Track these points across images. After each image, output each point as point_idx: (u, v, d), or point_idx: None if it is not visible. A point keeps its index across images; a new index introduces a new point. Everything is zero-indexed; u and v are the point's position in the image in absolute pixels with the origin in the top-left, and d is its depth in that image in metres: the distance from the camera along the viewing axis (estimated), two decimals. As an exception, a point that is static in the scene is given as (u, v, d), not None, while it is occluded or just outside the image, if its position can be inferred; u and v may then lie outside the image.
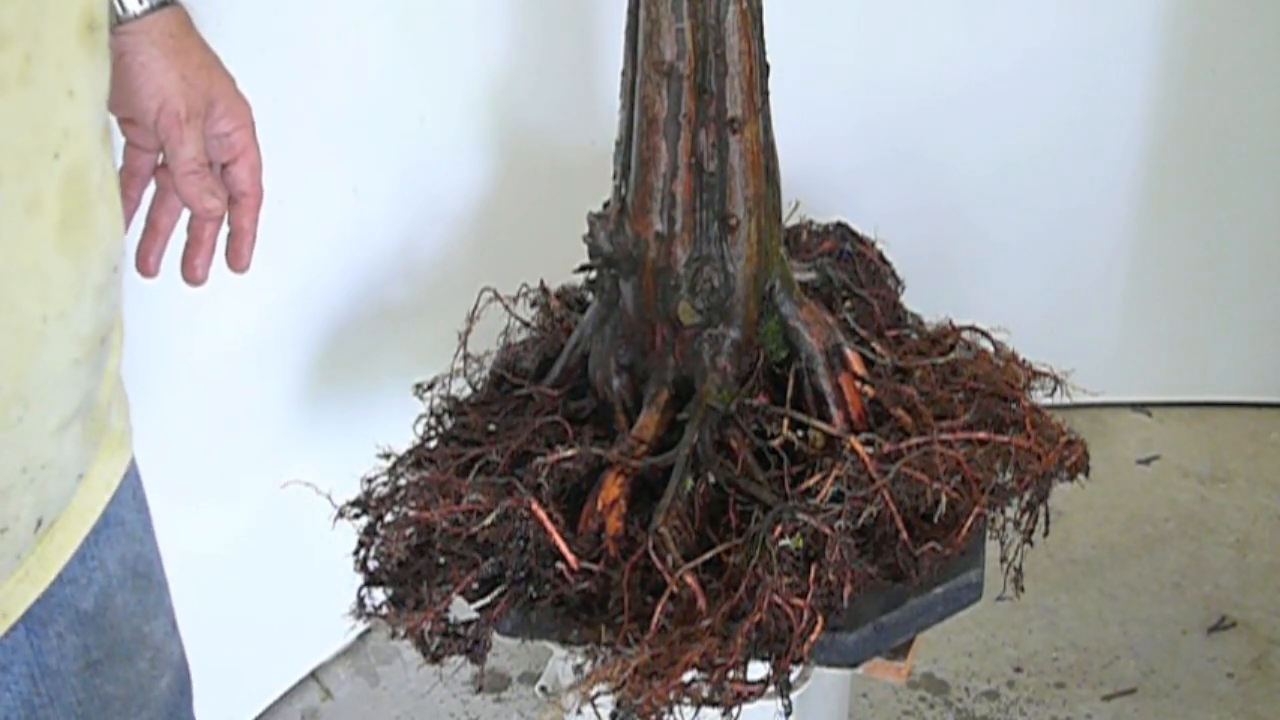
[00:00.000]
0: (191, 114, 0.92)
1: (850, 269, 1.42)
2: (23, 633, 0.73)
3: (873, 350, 1.27)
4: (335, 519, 1.14)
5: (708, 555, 1.06)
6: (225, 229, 1.03)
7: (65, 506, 0.73)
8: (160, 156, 0.97)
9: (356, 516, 1.15)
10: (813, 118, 1.67)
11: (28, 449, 0.65)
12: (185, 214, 1.01)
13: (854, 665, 1.10)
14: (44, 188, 0.60)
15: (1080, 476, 1.23)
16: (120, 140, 0.97)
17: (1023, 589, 1.21)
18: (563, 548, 1.07)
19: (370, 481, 1.18)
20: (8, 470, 0.64)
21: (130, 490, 0.82)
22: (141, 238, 0.99)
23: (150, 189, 1.00)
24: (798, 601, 1.00)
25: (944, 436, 1.13)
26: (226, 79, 0.97)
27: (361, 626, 1.13)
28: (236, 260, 1.03)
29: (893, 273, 1.46)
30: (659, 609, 1.01)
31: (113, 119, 0.91)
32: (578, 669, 1.02)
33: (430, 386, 1.33)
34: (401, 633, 1.06)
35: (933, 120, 2.05)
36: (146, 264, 1.00)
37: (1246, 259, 2.22)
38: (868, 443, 1.13)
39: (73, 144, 0.61)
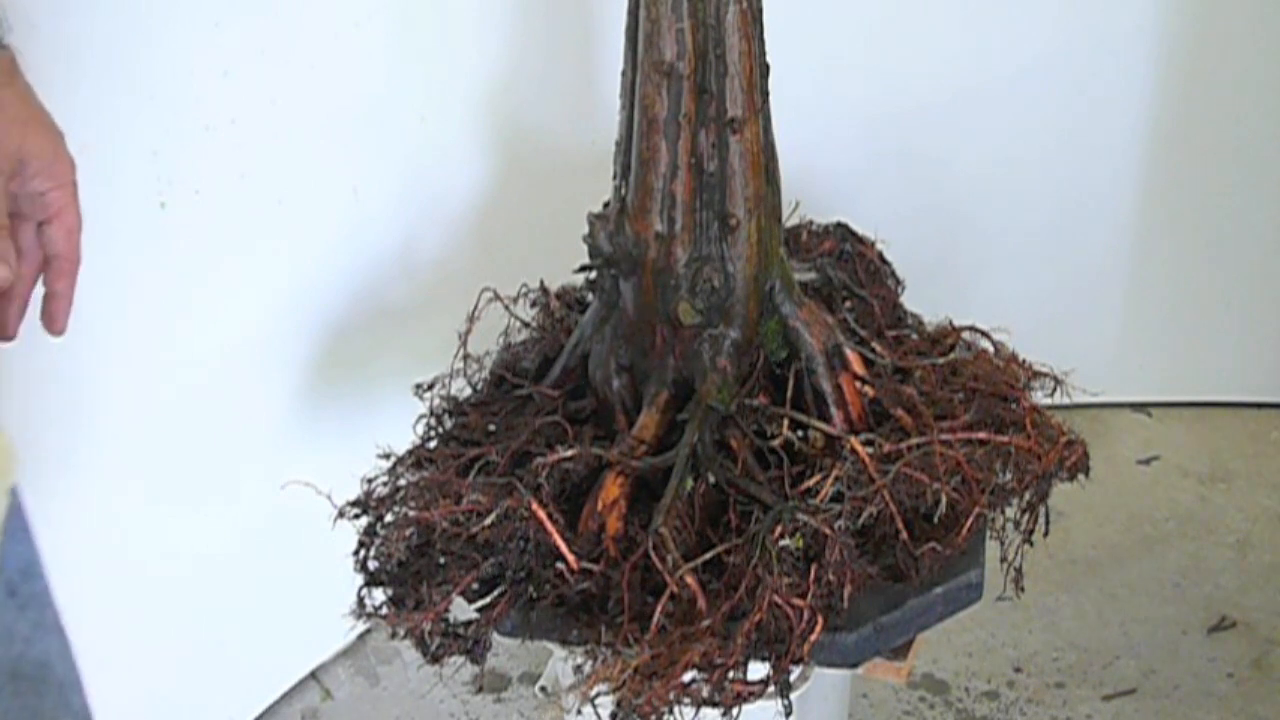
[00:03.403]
0: None
1: (850, 269, 1.42)
2: None
3: (873, 350, 1.27)
4: (335, 519, 1.14)
5: (708, 555, 1.06)
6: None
7: None
8: None
9: (356, 516, 1.15)
10: (814, 119, 1.67)
11: None
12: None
13: (854, 665, 1.10)
14: None
15: (1080, 476, 1.23)
16: None
17: (1023, 589, 1.21)
18: (563, 548, 1.07)
19: (370, 481, 1.18)
20: None
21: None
22: None
23: None
24: (798, 601, 1.00)
25: (944, 436, 1.13)
26: (46, 135, 0.90)
27: (361, 626, 1.13)
28: (50, 323, 0.94)
29: (893, 273, 1.46)
30: (659, 609, 1.01)
31: None
32: (578, 669, 1.02)
33: (430, 386, 1.33)
34: (401, 633, 1.06)
35: (934, 121, 2.05)
36: None
37: (1246, 259, 2.22)
38: (868, 443, 1.13)
39: None
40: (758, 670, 1.01)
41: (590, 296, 1.35)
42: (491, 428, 1.26)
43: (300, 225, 1.58)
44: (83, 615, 1.45)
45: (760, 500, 1.10)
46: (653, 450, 1.17)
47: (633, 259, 1.20)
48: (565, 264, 1.36)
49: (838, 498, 1.08)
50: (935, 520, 1.11)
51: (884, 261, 1.46)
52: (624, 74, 1.18)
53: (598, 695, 0.98)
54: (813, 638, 1.01)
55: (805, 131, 1.41)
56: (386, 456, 1.22)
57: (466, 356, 1.35)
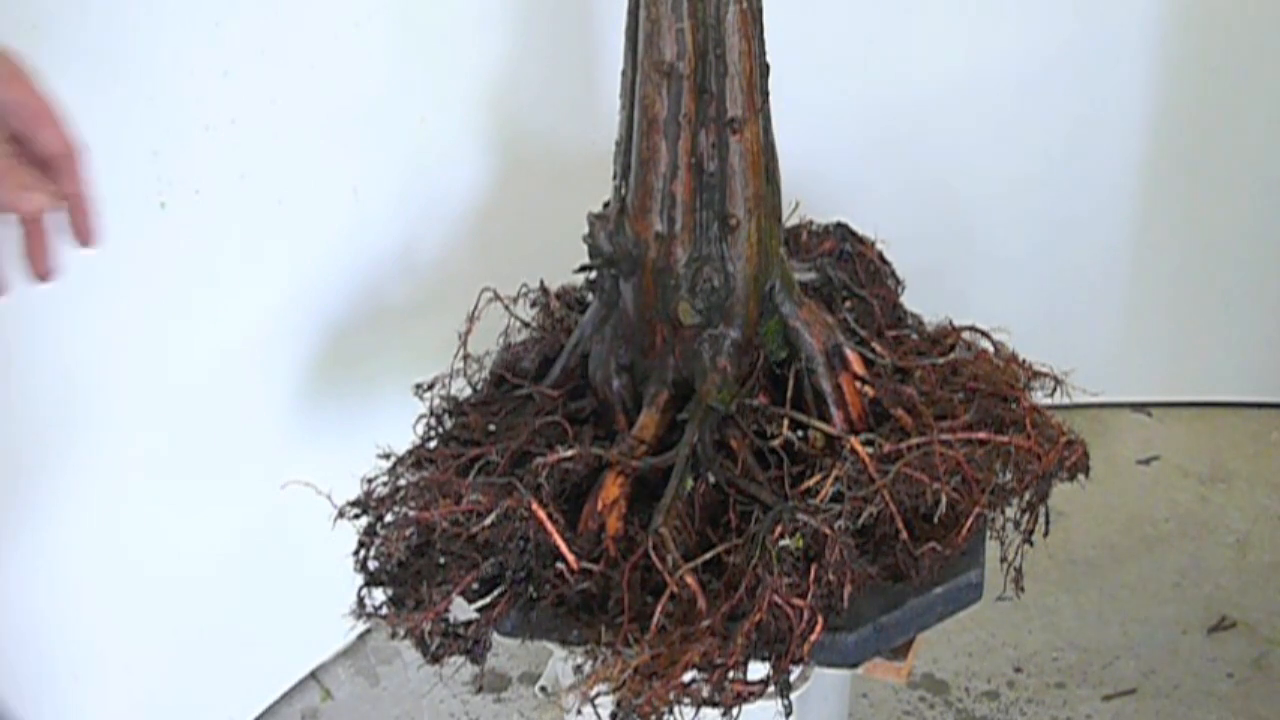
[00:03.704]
0: None
1: (850, 269, 1.41)
2: None
3: (873, 350, 1.27)
4: (335, 519, 1.14)
5: (708, 555, 1.06)
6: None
7: None
8: None
9: (356, 516, 1.15)
10: (814, 119, 1.67)
11: None
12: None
13: (854, 665, 1.10)
14: None
15: (1080, 476, 1.23)
16: None
17: (1023, 589, 1.21)
18: (563, 548, 1.07)
19: (370, 481, 1.17)
20: None
21: None
22: None
23: None
24: (798, 601, 1.00)
25: (944, 436, 1.13)
26: None
27: (361, 626, 1.13)
28: (82, 235, 0.85)
29: (893, 273, 1.46)
30: (659, 609, 1.01)
31: None
32: (578, 669, 1.02)
33: (430, 386, 1.33)
34: (401, 633, 1.06)
35: (934, 121, 2.05)
36: None
37: (1246, 260, 2.22)
38: (868, 443, 1.13)
39: None
40: (758, 670, 1.01)
41: (590, 296, 1.35)
42: (491, 428, 1.26)
43: (300, 225, 1.58)
44: (83, 615, 1.46)
45: (760, 500, 1.10)
46: (653, 450, 1.17)
47: (633, 259, 1.20)
48: (565, 264, 1.36)
49: (838, 498, 1.08)
50: (935, 520, 1.11)
51: (884, 261, 1.46)
52: (624, 74, 1.18)
53: (598, 695, 0.98)
54: (813, 638, 1.01)
55: (805, 132, 1.41)
56: (386, 456, 1.22)
57: (466, 356, 1.35)
